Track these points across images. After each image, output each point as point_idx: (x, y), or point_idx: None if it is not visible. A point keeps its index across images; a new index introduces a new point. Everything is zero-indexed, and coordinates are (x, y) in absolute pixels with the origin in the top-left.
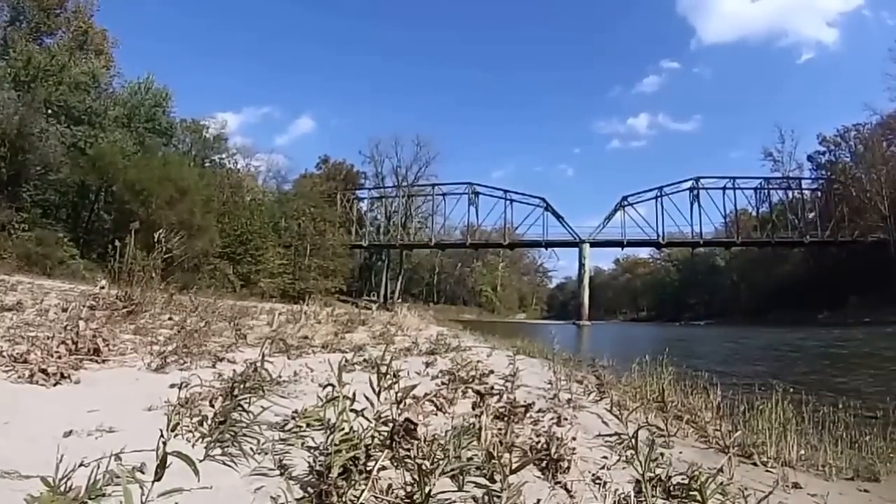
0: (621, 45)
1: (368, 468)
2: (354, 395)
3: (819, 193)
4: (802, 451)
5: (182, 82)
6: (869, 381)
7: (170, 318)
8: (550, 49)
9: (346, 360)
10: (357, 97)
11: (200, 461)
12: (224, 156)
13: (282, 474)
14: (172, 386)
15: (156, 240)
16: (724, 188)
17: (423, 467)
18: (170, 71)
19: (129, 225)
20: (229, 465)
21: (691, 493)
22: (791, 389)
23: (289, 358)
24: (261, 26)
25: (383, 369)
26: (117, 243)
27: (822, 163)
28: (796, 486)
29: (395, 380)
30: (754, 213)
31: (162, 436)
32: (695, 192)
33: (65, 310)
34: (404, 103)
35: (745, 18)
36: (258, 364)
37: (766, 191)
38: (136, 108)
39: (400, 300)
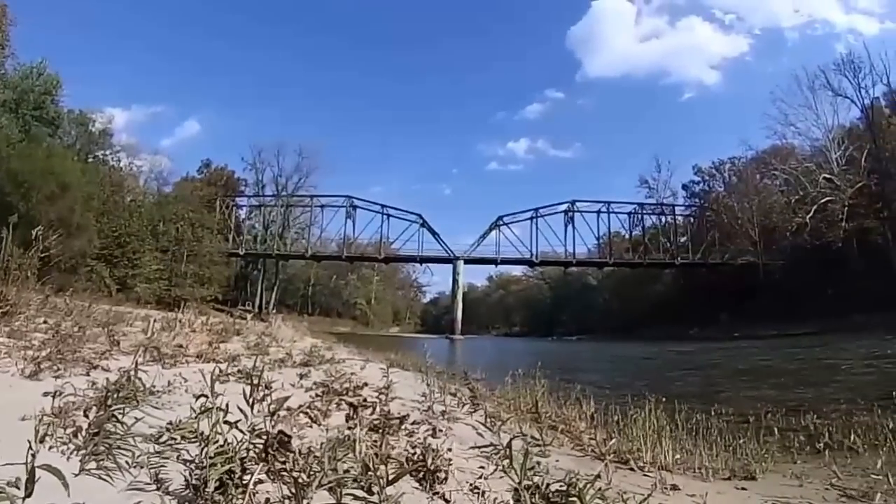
0: (509, 72)
1: (245, 482)
2: (228, 406)
3: (692, 219)
4: (678, 456)
5: (75, 72)
6: (739, 389)
7: (45, 322)
8: (439, 70)
9: (221, 371)
10: (245, 103)
11: (76, 475)
12: (108, 152)
13: (158, 489)
14: (46, 394)
15: (34, 237)
16: (598, 212)
17: (300, 480)
18: (64, 59)
19: (8, 219)
20: (105, 480)
21: (570, 499)
22: (664, 399)
23: (163, 367)
24: (162, 23)
25: (256, 380)
26: None
27: (696, 191)
28: (675, 487)
29: (268, 391)
30: (627, 236)
31: (30, 448)
32: (570, 214)
33: None
34: (290, 113)
35: (631, 56)
36: (132, 373)
37: (639, 215)
38: (25, 94)
39: (275, 311)
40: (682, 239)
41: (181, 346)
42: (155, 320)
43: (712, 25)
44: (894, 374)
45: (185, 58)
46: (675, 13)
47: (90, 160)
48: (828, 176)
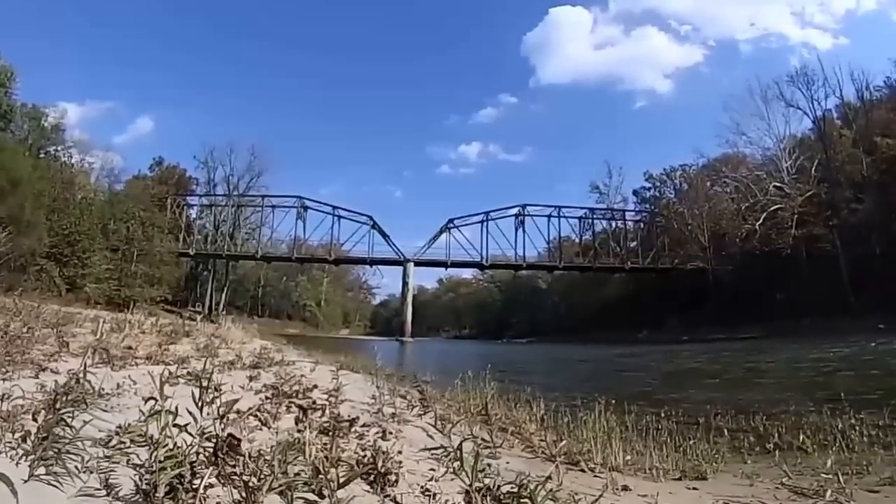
0: (464, 76)
1: (195, 486)
2: (177, 409)
3: (642, 225)
4: (629, 457)
5: (28, 64)
6: (687, 391)
7: None
8: (394, 72)
9: (170, 373)
10: (199, 102)
11: (25, 481)
12: (60, 148)
13: (108, 494)
14: None
15: None
16: (549, 216)
17: (251, 484)
18: (15, 49)
19: None
20: (55, 486)
21: (521, 500)
22: (613, 401)
23: (112, 369)
24: (118, 19)
25: (206, 383)
26: None
27: (646, 197)
28: (625, 488)
29: (218, 394)
30: (577, 241)
31: None
32: (520, 218)
33: None
34: (243, 112)
35: (585, 63)
36: (81, 375)
37: (590, 220)
38: None
39: (225, 312)
40: (633, 244)
41: (131, 347)
42: (104, 321)
43: (667, 35)
44: (840, 377)
45: (140, 54)
46: (630, 22)
47: (42, 156)
48: (778, 184)
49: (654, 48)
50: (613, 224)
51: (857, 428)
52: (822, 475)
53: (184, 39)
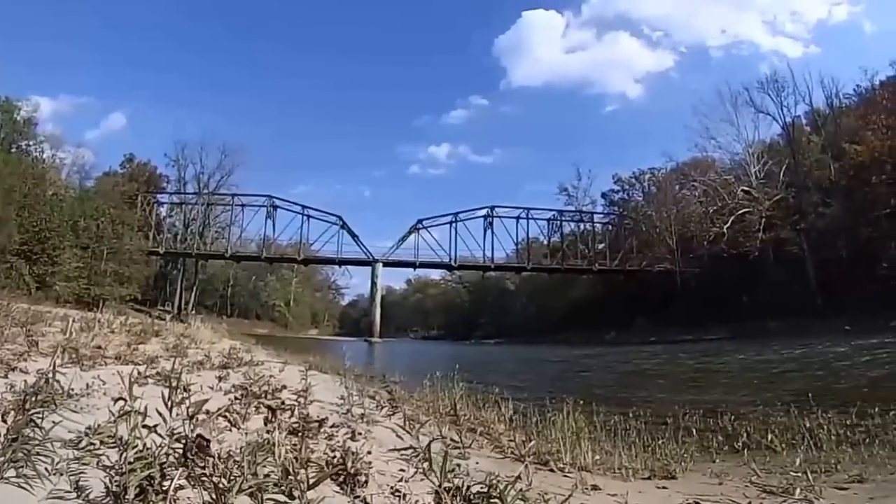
0: (435, 77)
1: (165, 487)
2: (147, 409)
3: (610, 227)
4: (598, 457)
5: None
6: (655, 391)
7: None
8: (364, 72)
9: (139, 373)
10: (172, 99)
11: None
12: (31, 143)
13: (79, 496)
14: None
15: None
16: (517, 217)
17: (220, 485)
18: None
19: None
20: (25, 488)
21: (491, 500)
22: (581, 401)
23: (82, 369)
24: (94, 13)
25: (175, 383)
26: None
27: (615, 200)
28: (595, 488)
29: (187, 394)
30: (546, 242)
31: None
32: (489, 219)
33: None
34: (215, 110)
35: (556, 67)
36: (50, 376)
37: (558, 222)
38: None
39: (194, 311)
40: (601, 246)
41: (100, 347)
42: (74, 320)
43: (639, 41)
44: (805, 377)
45: (114, 50)
46: (603, 27)
47: (13, 150)
48: (746, 188)
49: (625, 53)
50: (582, 226)
51: (825, 427)
52: (791, 473)
53: (159, 36)
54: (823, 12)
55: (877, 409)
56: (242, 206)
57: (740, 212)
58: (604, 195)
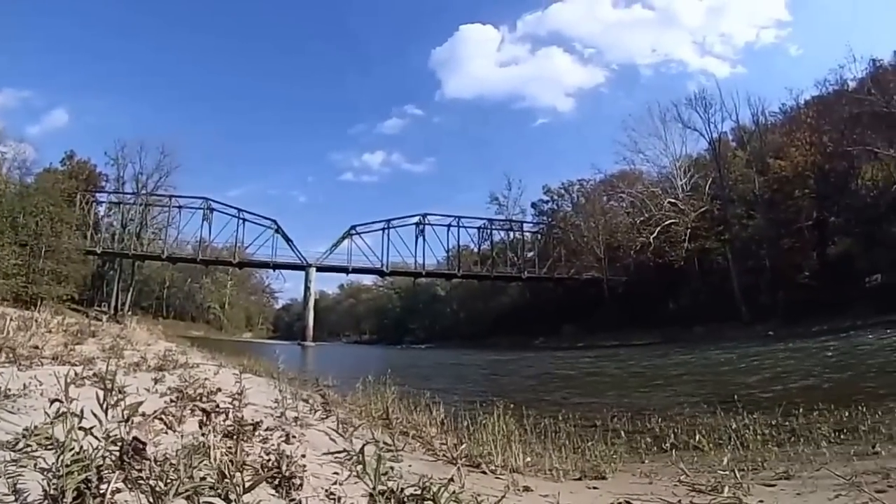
0: (371, 86)
1: (102, 491)
2: (83, 411)
3: (539, 236)
4: (529, 459)
5: None
6: (582, 394)
7: None
8: (302, 78)
9: (76, 374)
10: (115, 96)
11: None
12: None
13: (17, 500)
14: None
15: None
16: (448, 225)
17: (157, 488)
18: None
19: None
20: None
21: (425, 502)
22: (511, 404)
23: (19, 369)
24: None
25: (111, 385)
26: None
27: (544, 210)
28: (527, 489)
29: (123, 396)
30: (476, 250)
31: None
32: (421, 226)
33: None
34: (156, 110)
35: (489, 80)
36: None
37: (488, 230)
38: None
39: (130, 312)
40: (530, 254)
41: (37, 347)
42: (11, 319)
43: (571, 57)
44: (728, 380)
45: (60, 44)
46: (536, 43)
47: None
48: (672, 200)
49: (557, 68)
50: (511, 235)
51: (751, 427)
52: (719, 472)
53: (100, 30)
54: (751, 35)
55: (801, 410)
56: (179, 207)
57: (667, 223)
58: (534, 205)
